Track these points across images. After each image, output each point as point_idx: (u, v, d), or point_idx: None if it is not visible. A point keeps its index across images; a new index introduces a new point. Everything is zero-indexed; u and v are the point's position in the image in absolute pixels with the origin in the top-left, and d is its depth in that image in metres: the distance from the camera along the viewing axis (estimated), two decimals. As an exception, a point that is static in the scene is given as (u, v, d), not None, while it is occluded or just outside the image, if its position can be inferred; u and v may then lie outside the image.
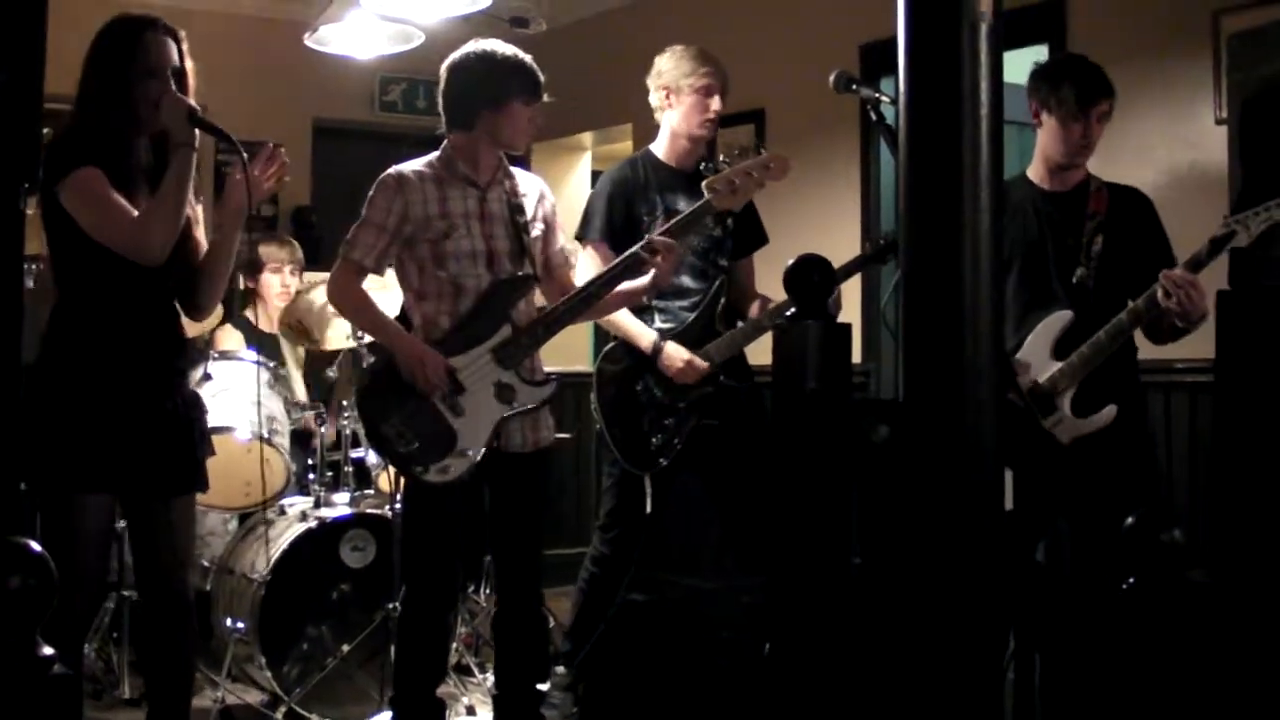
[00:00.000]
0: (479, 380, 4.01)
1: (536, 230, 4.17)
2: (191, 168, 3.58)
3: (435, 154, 4.15)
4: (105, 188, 3.49)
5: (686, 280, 4.74)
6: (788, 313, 4.54)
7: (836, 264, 3.62)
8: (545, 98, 4.12)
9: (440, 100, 4.16)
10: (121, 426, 3.57)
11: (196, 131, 3.58)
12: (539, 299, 4.29)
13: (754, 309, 4.82)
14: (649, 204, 4.79)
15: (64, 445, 3.51)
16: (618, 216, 4.76)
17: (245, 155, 3.65)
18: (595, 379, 4.76)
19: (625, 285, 4.14)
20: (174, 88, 3.61)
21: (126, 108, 3.57)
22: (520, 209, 4.13)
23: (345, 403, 5.44)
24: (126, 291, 3.60)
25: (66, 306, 3.61)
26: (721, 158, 4.39)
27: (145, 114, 3.60)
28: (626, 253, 4.14)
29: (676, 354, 4.65)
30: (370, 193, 4.10)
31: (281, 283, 6.12)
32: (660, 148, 4.91)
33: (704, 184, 4.28)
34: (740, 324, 4.81)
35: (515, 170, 4.24)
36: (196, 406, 3.83)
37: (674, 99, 4.82)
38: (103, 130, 3.54)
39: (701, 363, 4.65)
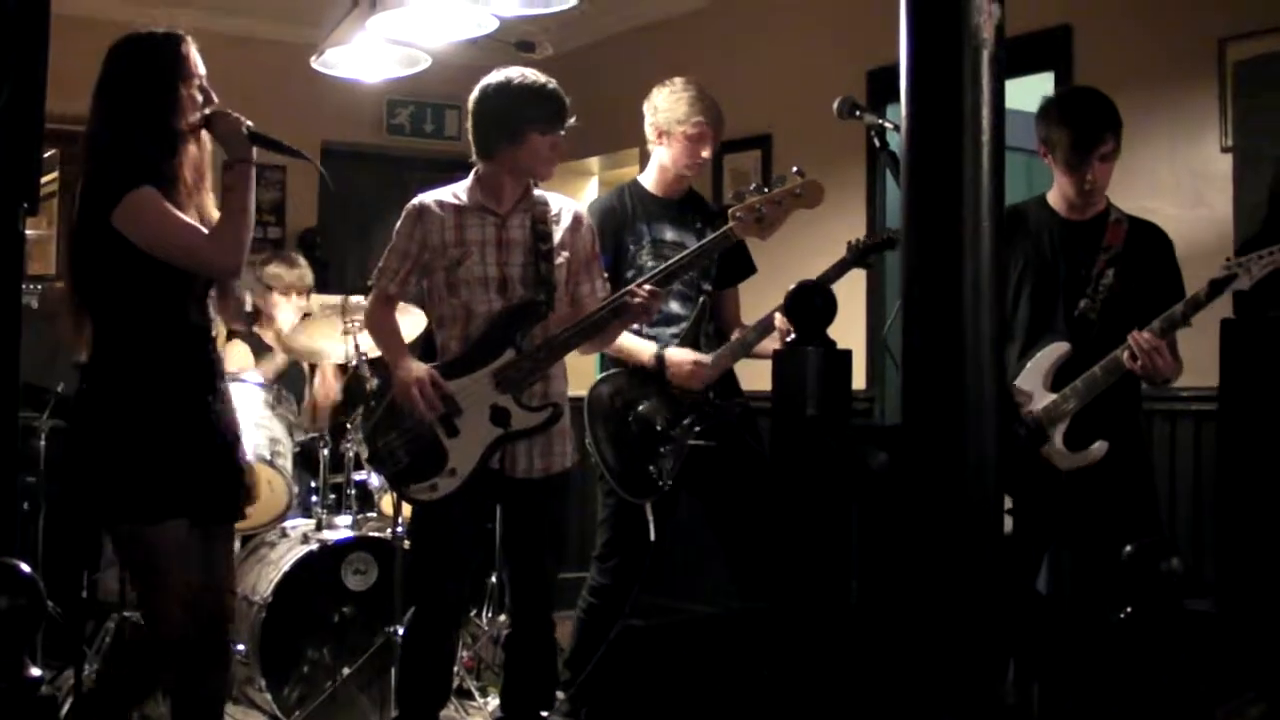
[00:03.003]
0: (476, 402, 4.02)
1: (561, 258, 4.16)
2: (253, 182, 3.63)
3: (465, 180, 4.17)
4: (168, 206, 3.49)
5: (675, 307, 4.74)
6: (774, 326, 4.60)
7: (839, 291, 3.61)
8: (572, 121, 4.11)
9: (469, 133, 4.17)
10: (182, 449, 3.56)
11: (253, 148, 3.64)
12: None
13: (737, 332, 4.82)
14: (635, 234, 4.79)
15: (138, 474, 3.49)
16: (606, 246, 4.76)
17: (309, 157, 3.82)
18: (586, 412, 4.73)
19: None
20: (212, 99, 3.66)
21: (173, 119, 3.57)
22: (546, 236, 4.13)
23: (350, 425, 5.44)
24: (175, 316, 3.59)
25: (112, 337, 3.57)
26: (752, 185, 4.34)
27: (190, 124, 3.61)
28: (613, 297, 4.17)
29: (682, 357, 4.64)
30: (399, 221, 4.15)
31: (290, 305, 6.12)
32: (649, 179, 4.92)
33: (729, 211, 4.27)
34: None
35: (552, 195, 4.24)
36: (235, 432, 3.82)
37: (665, 140, 4.82)
38: (148, 147, 3.53)
39: (706, 357, 4.63)
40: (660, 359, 4.65)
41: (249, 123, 3.65)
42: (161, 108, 3.56)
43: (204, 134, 3.67)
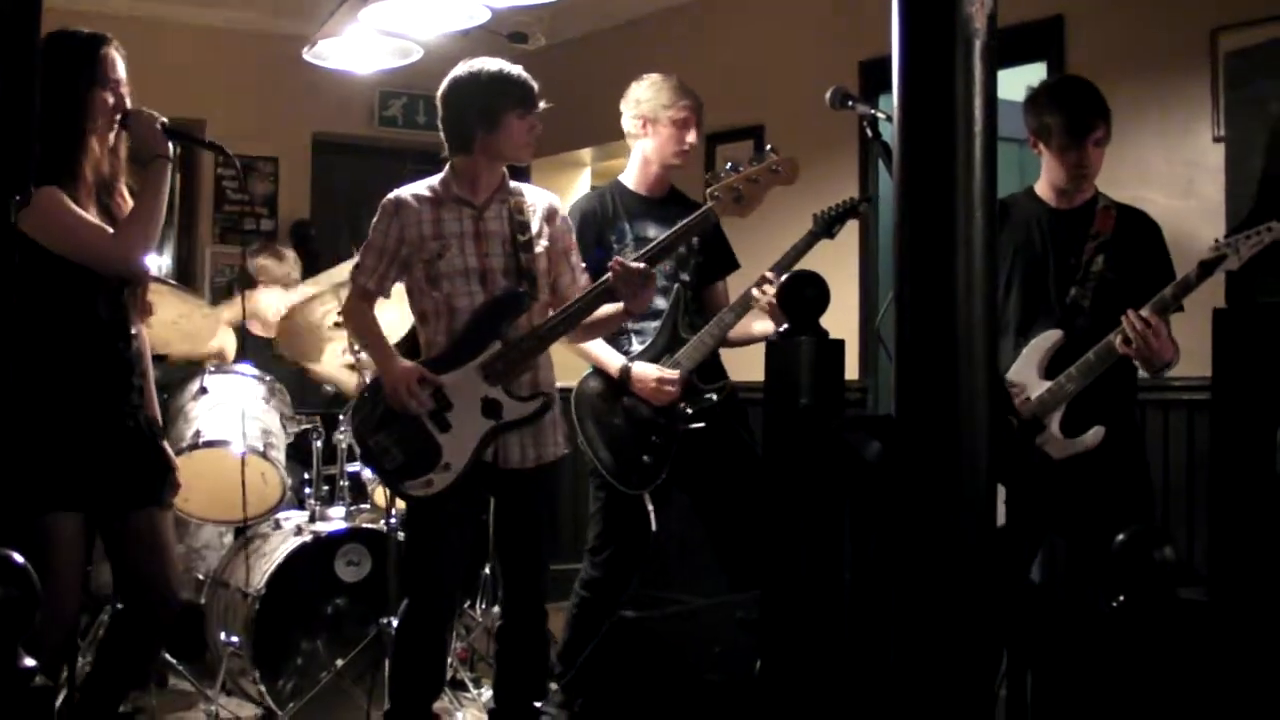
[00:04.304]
0: (466, 396, 4.03)
1: (540, 247, 4.16)
2: (167, 179, 3.63)
3: (438, 175, 4.18)
4: (71, 206, 3.50)
5: (660, 301, 4.72)
6: (752, 300, 4.60)
7: (832, 281, 3.61)
8: (541, 105, 4.12)
9: (440, 128, 4.18)
10: (84, 444, 3.56)
11: (170, 143, 3.64)
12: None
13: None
14: (618, 232, 4.81)
15: (31, 466, 3.47)
16: (589, 247, 4.75)
17: (228, 152, 3.83)
18: (574, 406, 4.73)
19: (603, 310, 4.15)
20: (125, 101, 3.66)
21: (80, 120, 3.57)
22: (523, 227, 4.13)
23: (342, 417, 5.44)
24: (82, 312, 3.58)
25: (25, 332, 3.55)
26: (729, 165, 4.34)
27: (97, 128, 3.60)
28: (598, 281, 4.15)
29: (646, 374, 4.63)
30: (375, 217, 4.15)
31: (276, 299, 6.11)
32: (630, 176, 4.93)
33: (706, 191, 4.27)
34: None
35: (526, 187, 4.25)
36: (156, 425, 3.82)
37: (650, 128, 4.84)
38: (52, 147, 3.51)
39: (671, 374, 4.63)
40: (626, 371, 4.66)
41: (163, 119, 3.66)
42: (68, 108, 3.55)
43: (113, 137, 3.67)
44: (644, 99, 4.85)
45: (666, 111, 4.80)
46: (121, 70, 3.66)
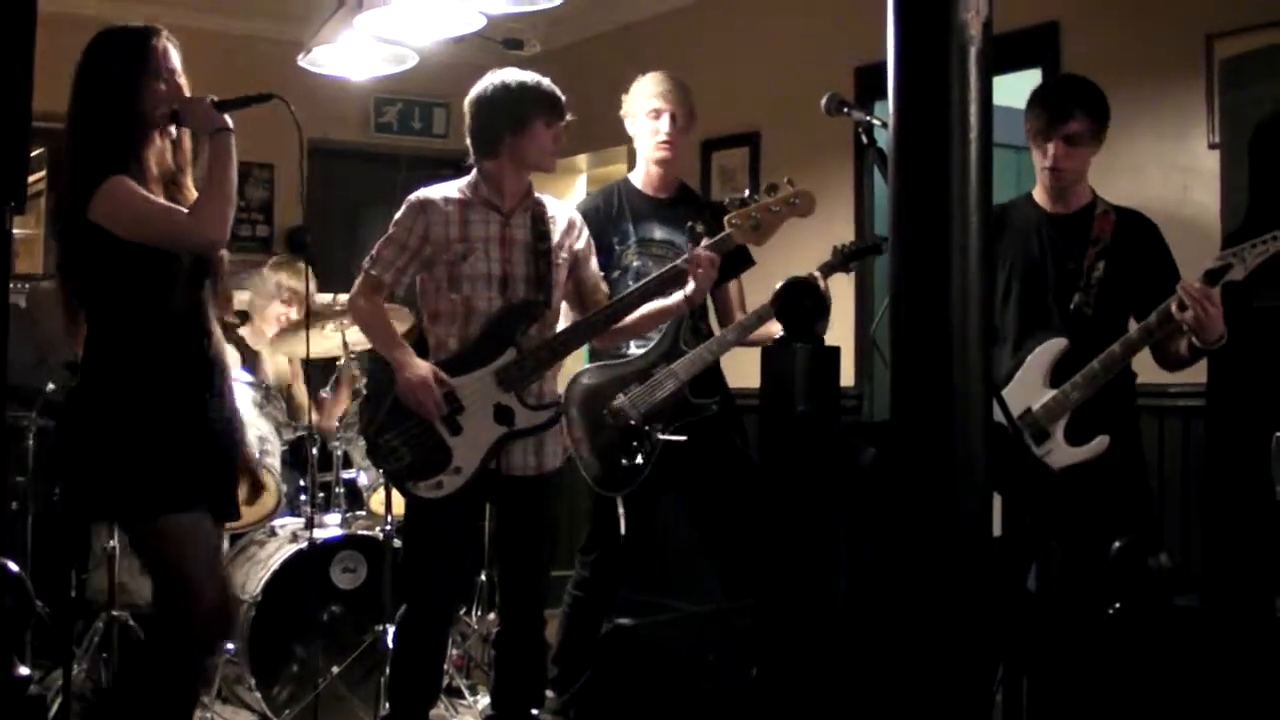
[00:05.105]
0: (479, 401, 4.04)
1: (559, 259, 4.18)
2: (233, 150, 3.61)
3: (467, 179, 4.19)
4: (142, 190, 3.49)
5: None
6: (770, 330, 4.59)
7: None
8: (568, 116, 4.15)
9: (467, 134, 4.19)
10: (200, 444, 3.56)
11: (227, 115, 3.63)
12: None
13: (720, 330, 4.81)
14: (621, 233, 4.81)
15: (158, 469, 3.47)
16: None
17: (279, 96, 3.76)
18: (564, 402, 4.73)
19: (652, 306, 4.17)
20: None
21: (137, 113, 3.56)
22: (545, 236, 4.15)
23: (339, 423, 5.44)
24: (162, 309, 3.57)
25: (102, 332, 3.56)
26: (747, 192, 4.31)
27: (155, 119, 3.60)
28: (618, 297, 4.16)
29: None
30: (398, 212, 4.15)
31: (280, 314, 6.07)
32: (637, 176, 4.95)
33: (726, 219, 4.26)
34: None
35: (547, 199, 4.27)
36: (241, 433, 3.81)
37: (631, 124, 4.88)
38: (112, 139, 3.52)
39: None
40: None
41: (212, 96, 3.64)
42: (124, 99, 3.54)
43: (174, 129, 3.67)
44: (628, 98, 4.90)
45: (638, 104, 4.84)
46: (175, 60, 3.65)
